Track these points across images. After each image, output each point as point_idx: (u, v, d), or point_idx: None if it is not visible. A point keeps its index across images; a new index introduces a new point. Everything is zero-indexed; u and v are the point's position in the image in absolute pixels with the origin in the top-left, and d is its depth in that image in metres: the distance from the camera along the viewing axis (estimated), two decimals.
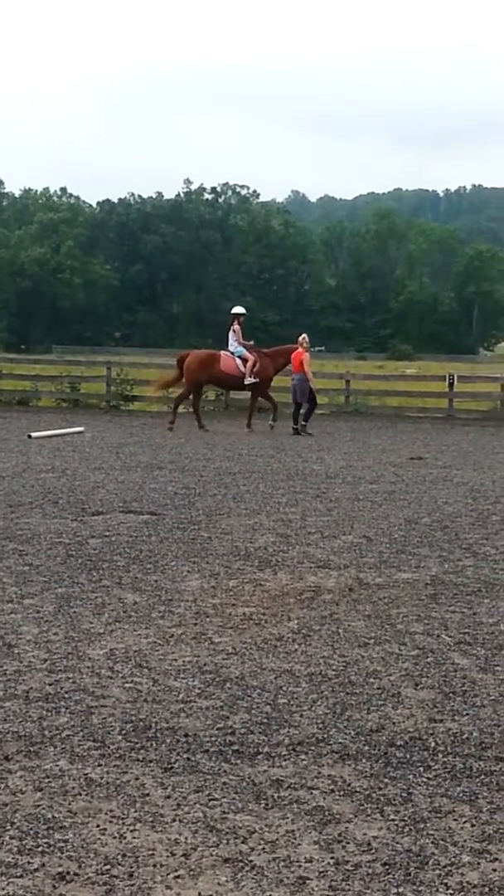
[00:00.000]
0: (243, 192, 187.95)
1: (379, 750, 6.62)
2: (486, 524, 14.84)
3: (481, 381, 45.16)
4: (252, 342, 31.87)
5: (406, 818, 5.67)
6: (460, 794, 5.99)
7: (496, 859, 5.23)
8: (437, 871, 5.10)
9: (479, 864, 5.19)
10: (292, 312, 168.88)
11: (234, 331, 30.66)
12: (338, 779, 6.16)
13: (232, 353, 30.60)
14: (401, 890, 4.91)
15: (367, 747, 6.66)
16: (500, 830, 5.54)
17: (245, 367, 30.23)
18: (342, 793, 5.97)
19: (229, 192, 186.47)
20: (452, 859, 5.23)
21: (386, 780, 6.16)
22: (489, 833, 5.51)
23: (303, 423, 30.03)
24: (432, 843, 5.40)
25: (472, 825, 5.61)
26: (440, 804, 5.86)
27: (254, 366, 30.23)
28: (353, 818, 5.66)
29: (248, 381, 30.36)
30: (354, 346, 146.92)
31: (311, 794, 5.95)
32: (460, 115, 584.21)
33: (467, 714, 7.33)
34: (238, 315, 30.95)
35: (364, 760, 6.45)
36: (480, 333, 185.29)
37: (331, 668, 8.25)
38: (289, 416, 31.07)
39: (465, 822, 5.64)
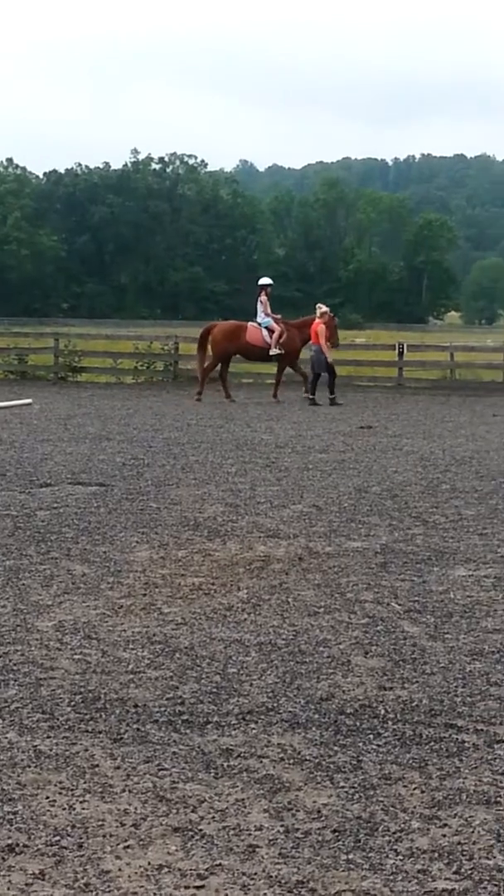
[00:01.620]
0: (191, 161, 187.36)
1: (329, 718, 6.62)
2: (435, 493, 14.88)
3: (431, 350, 45.29)
4: (280, 315, 31.95)
5: (356, 785, 5.68)
6: (410, 761, 6.01)
7: (446, 825, 5.25)
8: (387, 838, 5.11)
9: (428, 829, 5.20)
10: (241, 282, 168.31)
11: (261, 302, 30.85)
12: (287, 747, 6.16)
13: (259, 324, 30.68)
14: (350, 856, 4.92)
15: (316, 716, 6.66)
16: (450, 796, 5.56)
17: (271, 338, 30.35)
18: (292, 761, 5.97)
19: (177, 162, 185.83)
20: (402, 825, 5.24)
21: (336, 748, 6.16)
22: (439, 799, 5.53)
23: (330, 395, 30.28)
24: (382, 809, 5.41)
25: (422, 791, 5.62)
26: (390, 771, 5.87)
27: (280, 337, 30.34)
28: (303, 786, 5.66)
29: (274, 351, 30.52)
30: (303, 315, 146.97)
31: (261, 762, 5.95)
32: (410, 84, 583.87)
33: (417, 681, 7.35)
34: (265, 286, 31.18)
35: (314, 729, 6.45)
36: (430, 302, 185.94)
37: (280, 638, 8.25)
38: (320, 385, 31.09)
39: (414, 789, 5.65)
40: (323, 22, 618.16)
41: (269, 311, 30.89)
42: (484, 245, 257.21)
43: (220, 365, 31.14)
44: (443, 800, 5.52)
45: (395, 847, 5.02)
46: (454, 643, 8.23)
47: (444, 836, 5.14)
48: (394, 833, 5.15)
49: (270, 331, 30.50)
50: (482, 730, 6.49)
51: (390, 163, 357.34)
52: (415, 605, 9.25)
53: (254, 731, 6.39)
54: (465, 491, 15.04)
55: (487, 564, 10.77)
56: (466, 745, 6.26)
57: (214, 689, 7.10)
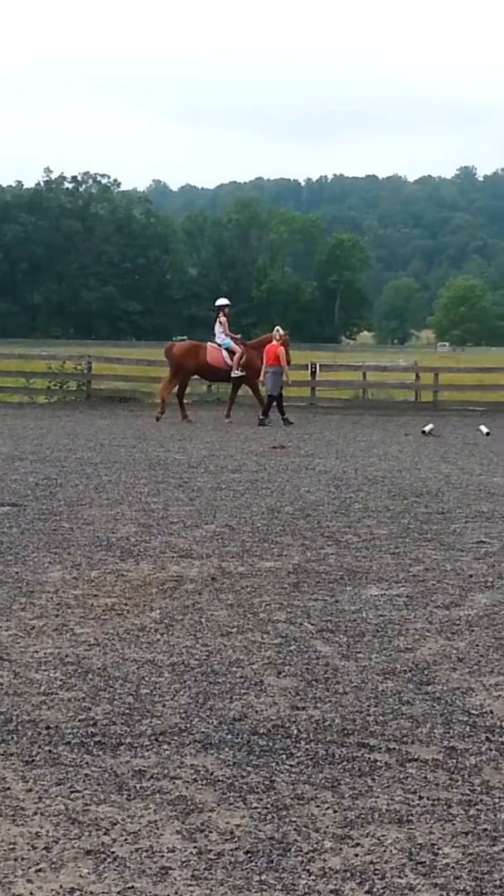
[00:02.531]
0: (104, 181, 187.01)
1: (241, 738, 6.62)
2: (348, 512, 14.93)
3: (343, 369, 45.65)
4: (239, 335, 32.07)
5: (268, 806, 5.68)
6: (322, 781, 6.02)
7: (358, 844, 5.26)
8: (300, 858, 5.12)
9: (341, 849, 5.22)
10: (154, 302, 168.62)
11: (220, 322, 31.00)
12: (200, 768, 6.15)
13: (219, 345, 30.72)
14: (263, 877, 4.92)
15: (229, 736, 6.66)
16: (362, 816, 5.58)
17: (232, 359, 30.42)
18: (205, 782, 5.97)
19: (90, 181, 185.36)
20: (315, 845, 5.25)
21: (248, 769, 6.17)
22: (351, 819, 5.55)
23: (262, 416, 30.49)
24: (294, 829, 5.41)
25: (335, 811, 5.64)
26: (302, 791, 5.88)
27: (241, 358, 30.40)
28: (216, 807, 5.66)
29: (235, 373, 30.66)
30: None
31: (174, 783, 5.94)
32: (322, 105, 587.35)
33: (329, 701, 7.37)
34: (223, 307, 31.31)
35: (227, 749, 6.45)
36: (342, 322, 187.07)
37: (193, 658, 8.25)
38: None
39: (327, 809, 5.67)
40: (234, 43, 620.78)
41: (227, 331, 31.00)
42: (395, 265, 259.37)
43: (178, 384, 31.21)
44: (355, 819, 5.54)
45: (307, 867, 5.03)
46: (366, 662, 8.26)
47: (357, 855, 5.16)
48: (306, 853, 5.16)
49: (231, 352, 30.60)
50: (394, 749, 6.52)
51: (303, 183, 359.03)
52: (327, 624, 9.28)
53: (166, 752, 6.38)
54: (377, 510, 15.12)
55: (399, 584, 10.82)
56: (378, 764, 6.29)
57: (127, 710, 7.08)
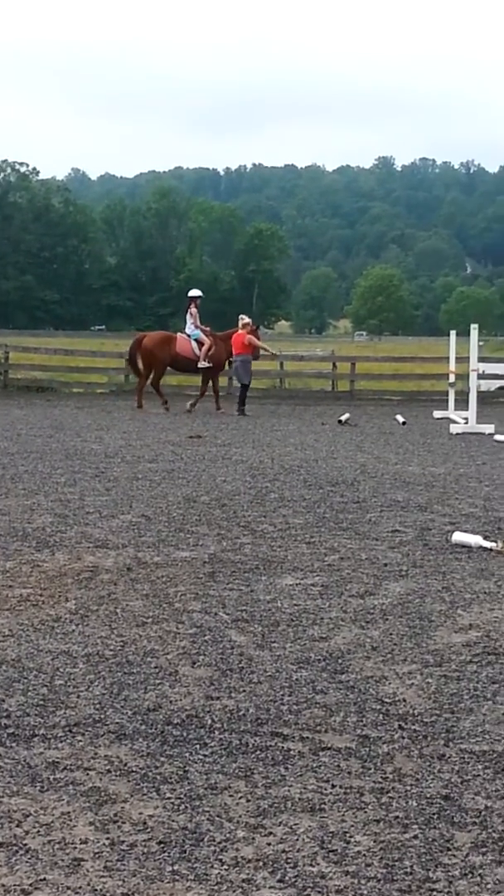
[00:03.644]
0: (22, 169, 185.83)
1: (156, 729, 6.62)
2: (264, 502, 14.96)
3: (260, 359, 45.62)
4: (209, 327, 32.12)
5: (182, 796, 5.69)
6: (236, 771, 6.04)
7: (270, 833, 5.28)
8: (213, 848, 5.13)
9: (253, 838, 5.23)
10: (73, 291, 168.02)
11: (191, 314, 31.14)
12: (114, 759, 6.15)
13: (188, 336, 30.77)
14: (176, 867, 4.93)
15: (143, 726, 6.66)
16: (275, 805, 5.60)
17: (200, 350, 30.51)
18: (118, 773, 5.96)
19: (8, 170, 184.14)
20: (227, 835, 5.26)
21: (162, 759, 6.17)
22: (264, 808, 5.56)
23: (239, 407, 30.99)
24: (208, 819, 5.43)
25: (248, 800, 5.65)
26: (216, 781, 5.89)
27: (209, 349, 30.51)
28: (129, 798, 5.66)
29: (202, 364, 30.86)
30: (135, 324, 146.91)
31: (88, 774, 5.93)
32: (241, 94, 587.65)
33: (244, 691, 7.38)
34: (195, 298, 31.44)
35: (141, 740, 6.45)
36: (260, 312, 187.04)
37: (108, 649, 8.23)
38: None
39: (240, 798, 5.68)
40: (154, 31, 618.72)
41: (198, 323, 31.07)
42: (314, 255, 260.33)
43: (153, 373, 31.31)
44: (268, 808, 5.56)
45: (220, 857, 5.04)
46: (281, 652, 8.28)
47: (269, 844, 5.18)
48: (219, 843, 5.18)
49: (200, 343, 30.69)
50: (307, 738, 6.55)
51: (222, 172, 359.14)
52: (242, 614, 9.29)
53: (80, 744, 6.37)
54: (292, 500, 15.16)
55: (314, 573, 10.86)
56: (292, 753, 6.31)
57: (41, 702, 7.05)
